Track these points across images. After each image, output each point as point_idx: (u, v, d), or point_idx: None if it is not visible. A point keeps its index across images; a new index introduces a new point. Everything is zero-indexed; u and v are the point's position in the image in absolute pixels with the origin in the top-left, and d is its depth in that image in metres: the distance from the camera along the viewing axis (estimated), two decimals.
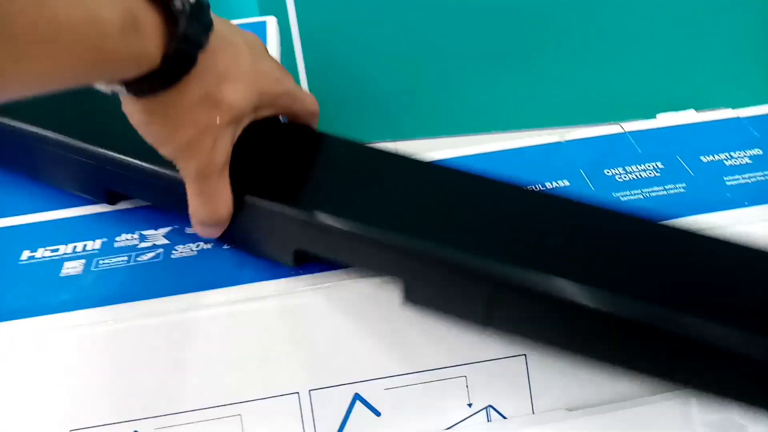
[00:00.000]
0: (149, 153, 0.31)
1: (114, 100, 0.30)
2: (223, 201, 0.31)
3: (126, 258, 0.35)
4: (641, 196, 0.37)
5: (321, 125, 0.41)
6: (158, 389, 0.32)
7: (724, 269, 0.28)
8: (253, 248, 0.34)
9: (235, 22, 0.61)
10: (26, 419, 0.32)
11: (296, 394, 0.32)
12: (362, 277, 0.33)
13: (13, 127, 0.38)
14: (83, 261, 0.35)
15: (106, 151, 0.36)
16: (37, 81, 0.22)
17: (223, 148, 0.30)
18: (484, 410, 0.33)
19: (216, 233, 0.33)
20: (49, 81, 0.23)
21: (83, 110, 0.39)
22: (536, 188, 0.37)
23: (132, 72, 0.26)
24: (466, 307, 0.29)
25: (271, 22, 0.61)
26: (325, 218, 0.31)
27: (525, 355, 0.33)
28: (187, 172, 0.30)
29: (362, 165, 0.35)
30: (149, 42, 0.25)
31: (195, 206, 0.32)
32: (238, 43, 0.31)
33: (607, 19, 0.69)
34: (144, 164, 0.34)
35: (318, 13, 0.63)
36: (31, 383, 0.32)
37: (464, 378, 0.33)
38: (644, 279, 0.27)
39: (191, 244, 0.36)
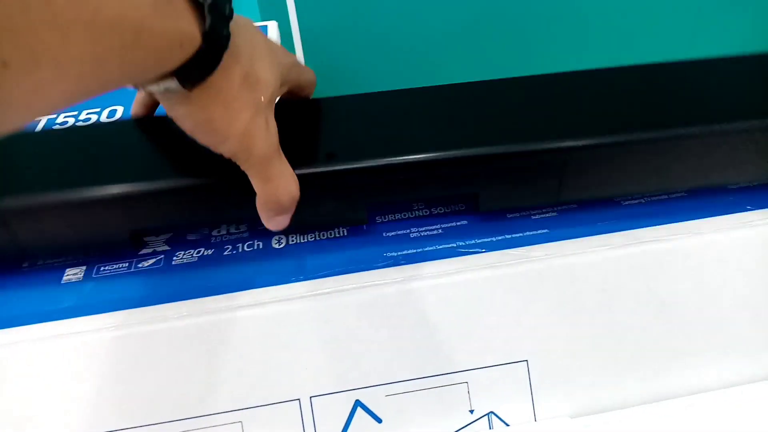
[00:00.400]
0: (172, 172, 0.31)
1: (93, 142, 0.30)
2: (292, 178, 0.31)
3: (127, 264, 0.35)
4: (643, 201, 0.36)
5: None
6: (159, 396, 0.32)
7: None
8: (319, 221, 0.35)
9: None
10: (27, 426, 0.32)
11: (297, 401, 0.32)
12: (363, 283, 0.33)
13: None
14: (84, 267, 0.35)
15: (130, 186, 0.32)
16: (90, 68, 0.21)
17: (273, 127, 0.31)
18: (486, 417, 0.33)
19: (287, 220, 0.32)
20: (102, 69, 0.22)
21: (72, 166, 0.34)
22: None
23: (178, 55, 0.25)
24: (540, 188, 0.34)
25: (272, 27, 0.61)
26: (399, 159, 0.32)
27: (527, 360, 0.32)
28: (251, 161, 0.30)
29: (383, 108, 0.36)
30: (184, 20, 0.25)
31: (267, 194, 0.31)
32: (245, 23, 0.31)
33: (608, 20, 0.69)
34: (182, 180, 0.32)
35: (319, 16, 0.63)
36: (31, 390, 0.32)
37: (466, 384, 0.32)
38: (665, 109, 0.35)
39: (192, 251, 0.36)
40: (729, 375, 0.33)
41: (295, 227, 0.33)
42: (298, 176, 0.31)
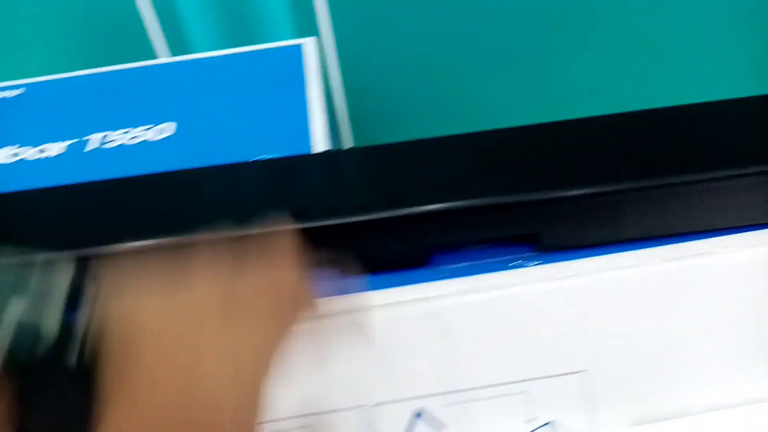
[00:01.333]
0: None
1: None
2: None
3: None
4: None
5: (359, 142, 0.40)
6: None
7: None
8: (381, 264, 0.35)
9: (270, 45, 0.61)
10: None
11: (362, 407, 0.33)
12: (421, 295, 0.33)
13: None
14: None
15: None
16: None
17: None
18: (546, 426, 0.33)
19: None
20: None
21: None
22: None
23: None
24: (601, 227, 0.34)
25: (309, 44, 0.61)
26: (461, 203, 0.33)
27: (584, 371, 0.33)
28: None
29: (442, 154, 0.37)
30: None
31: None
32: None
33: (610, 26, 0.71)
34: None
35: (356, 31, 0.63)
36: None
37: (525, 394, 0.33)
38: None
39: None
40: None
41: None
42: (363, 222, 0.33)
